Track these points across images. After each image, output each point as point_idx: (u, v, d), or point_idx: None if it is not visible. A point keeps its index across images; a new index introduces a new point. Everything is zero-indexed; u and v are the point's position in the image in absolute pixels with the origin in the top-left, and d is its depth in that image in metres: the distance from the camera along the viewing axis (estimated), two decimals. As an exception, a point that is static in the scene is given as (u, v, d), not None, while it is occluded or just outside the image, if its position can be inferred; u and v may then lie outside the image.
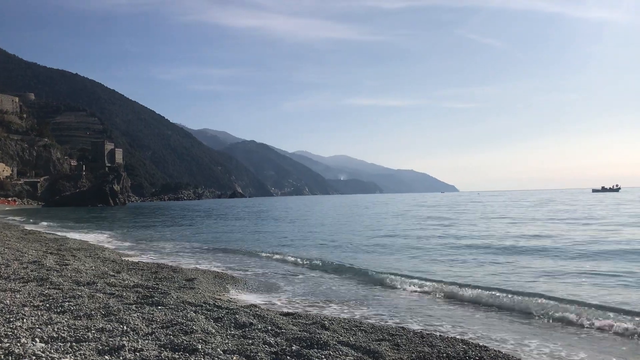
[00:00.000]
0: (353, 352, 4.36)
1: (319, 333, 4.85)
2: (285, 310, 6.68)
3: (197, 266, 11.94)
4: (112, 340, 4.26)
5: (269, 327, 5.01)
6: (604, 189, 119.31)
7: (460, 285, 8.62)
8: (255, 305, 6.68)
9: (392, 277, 9.75)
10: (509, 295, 7.59)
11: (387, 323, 6.06)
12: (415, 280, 9.35)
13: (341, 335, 4.92)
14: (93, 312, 5.30)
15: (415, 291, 8.69)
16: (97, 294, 6.43)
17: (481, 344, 4.88)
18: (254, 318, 5.44)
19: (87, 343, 4.19)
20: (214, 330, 4.80)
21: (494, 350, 4.61)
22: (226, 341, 4.48)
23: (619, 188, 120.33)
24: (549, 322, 6.40)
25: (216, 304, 6.28)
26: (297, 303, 7.62)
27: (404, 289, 8.85)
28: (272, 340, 4.53)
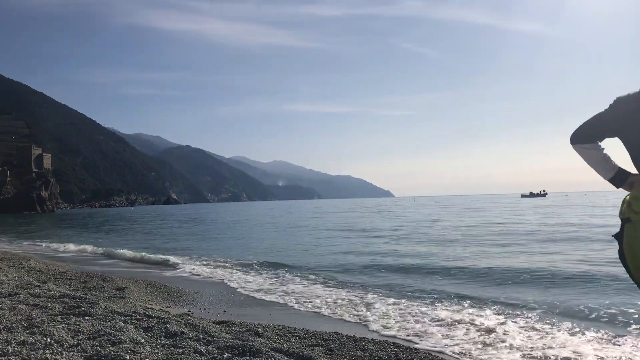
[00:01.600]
0: (286, 358, 4.35)
1: (251, 340, 4.82)
2: (219, 318, 6.59)
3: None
4: (34, 354, 4.08)
5: (201, 336, 4.93)
6: (531, 194, 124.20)
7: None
8: (187, 314, 6.56)
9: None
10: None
11: (320, 328, 6.07)
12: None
13: (275, 342, 4.91)
14: (14, 325, 5.05)
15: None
16: (20, 306, 6.15)
17: (412, 346, 4.97)
18: (186, 327, 5.35)
19: (6, 357, 4.00)
20: (143, 340, 4.68)
21: (424, 352, 4.71)
22: (156, 351, 4.37)
23: (546, 193, 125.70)
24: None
25: (147, 313, 6.12)
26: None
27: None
28: (203, 349, 4.46)
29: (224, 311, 7.54)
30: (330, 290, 9.29)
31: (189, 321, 5.70)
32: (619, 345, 5.35)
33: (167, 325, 5.31)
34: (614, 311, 6.85)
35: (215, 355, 4.28)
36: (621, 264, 2.90)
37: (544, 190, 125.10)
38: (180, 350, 4.39)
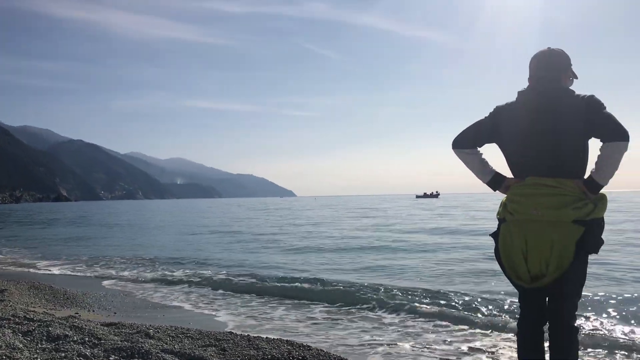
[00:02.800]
0: (177, 359, 4.25)
1: (141, 342, 4.66)
2: (109, 320, 6.31)
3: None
4: None
5: (87, 339, 4.70)
6: (425, 195, 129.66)
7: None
8: (73, 316, 6.23)
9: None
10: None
11: (215, 328, 5.99)
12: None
13: (166, 343, 4.78)
14: None
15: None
16: None
17: (305, 343, 5.02)
18: (71, 329, 5.07)
19: None
20: (21, 345, 4.38)
21: (316, 350, 4.78)
22: (35, 356, 4.11)
23: (439, 194, 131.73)
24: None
25: (27, 316, 5.74)
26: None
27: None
28: (88, 352, 4.25)
29: (115, 313, 7.25)
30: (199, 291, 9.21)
31: (75, 324, 5.42)
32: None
33: (50, 329, 5.01)
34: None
35: (101, 358, 4.10)
36: (496, 261, 3.09)
37: (436, 192, 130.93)
38: (63, 354, 4.16)
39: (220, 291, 9.17)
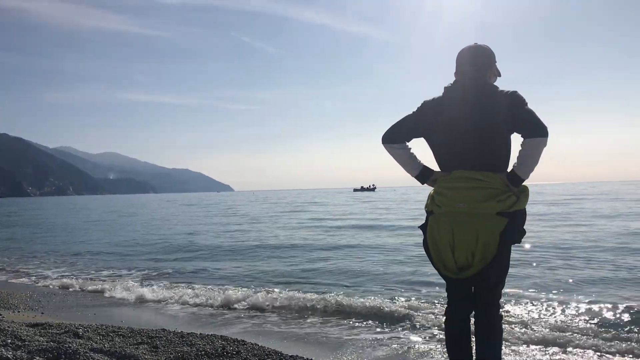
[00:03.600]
0: (107, 358, 4.13)
1: (69, 342, 4.49)
2: (35, 320, 6.05)
3: None
4: None
5: (9, 340, 4.49)
6: (362, 189, 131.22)
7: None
8: (-4, 317, 5.94)
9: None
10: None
11: (148, 326, 5.87)
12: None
13: (95, 342, 4.63)
14: None
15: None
16: None
17: (239, 338, 4.99)
18: (-8, 332, 4.83)
19: None
20: None
21: (251, 344, 4.76)
22: (-49, 361, 3.90)
23: (375, 187, 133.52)
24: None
25: (-57, 320, 5.44)
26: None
27: None
28: (10, 354, 4.06)
29: (42, 313, 6.98)
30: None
31: (-3, 325, 5.16)
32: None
33: (-31, 332, 4.76)
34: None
35: (25, 360, 3.93)
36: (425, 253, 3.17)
37: (373, 185, 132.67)
38: (-18, 358, 3.96)
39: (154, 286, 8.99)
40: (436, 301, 6.99)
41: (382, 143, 3.20)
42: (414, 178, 3.20)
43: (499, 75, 3.17)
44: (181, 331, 5.33)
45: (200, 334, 5.14)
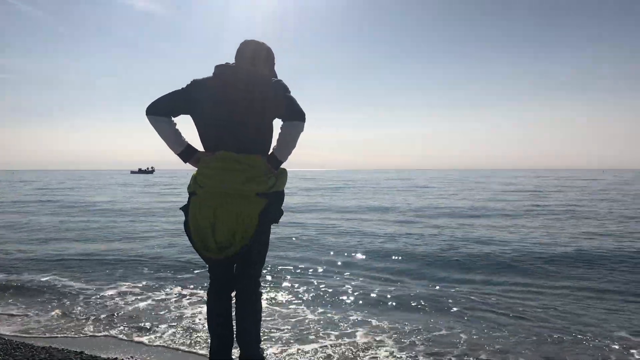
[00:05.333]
0: None
1: None
2: None
3: None
4: None
5: None
6: (140, 171, 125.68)
7: None
8: None
9: None
10: None
11: None
12: None
13: None
14: None
15: None
16: None
17: (54, 345, 4.36)
18: None
19: None
20: None
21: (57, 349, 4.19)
22: None
23: (154, 170, 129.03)
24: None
25: None
26: None
27: None
28: None
29: None
30: None
31: None
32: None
33: None
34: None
35: None
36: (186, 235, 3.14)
37: (152, 167, 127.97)
38: None
39: None
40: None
41: (147, 114, 3.06)
42: (177, 156, 3.14)
43: (275, 77, 3.24)
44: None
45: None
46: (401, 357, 4.16)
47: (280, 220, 3.27)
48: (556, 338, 4.62)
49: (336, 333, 4.77)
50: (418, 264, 8.29)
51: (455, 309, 5.61)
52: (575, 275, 7.36)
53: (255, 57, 3.19)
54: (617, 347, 4.40)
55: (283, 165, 3.16)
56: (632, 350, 4.32)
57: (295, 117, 2.93)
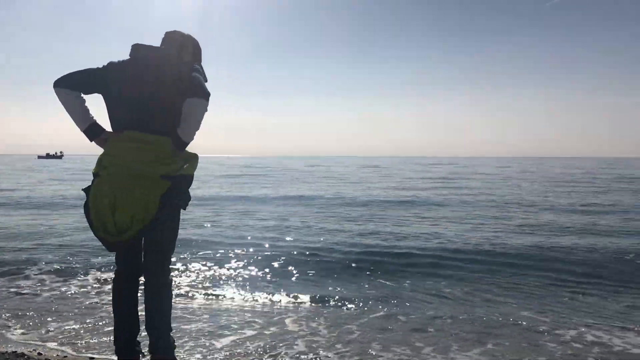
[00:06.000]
0: None
1: None
2: None
3: None
4: None
5: None
6: (48, 156, 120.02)
7: None
8: None
9: None
10: None
11: None
12: None
13: None
14: None
15: None
16: None
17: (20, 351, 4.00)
18: None
19: None
20: None
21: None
22: None
23: (62, 155, 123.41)
24: None
25: None
26: None
27: None
28: None
29: None
30: None
31: None
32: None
33: None
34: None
35: None
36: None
37: (60, 152, 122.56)
38: None
39: None
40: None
41: (55, 87, 2.95)
42: (82, 133, 3.04)
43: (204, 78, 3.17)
44: None
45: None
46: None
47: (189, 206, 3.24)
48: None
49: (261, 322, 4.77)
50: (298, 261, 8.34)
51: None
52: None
53: (176, 45, 3.15)
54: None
55: (194, 150, 3.15)
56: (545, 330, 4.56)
57: (197, 94, 2.90)
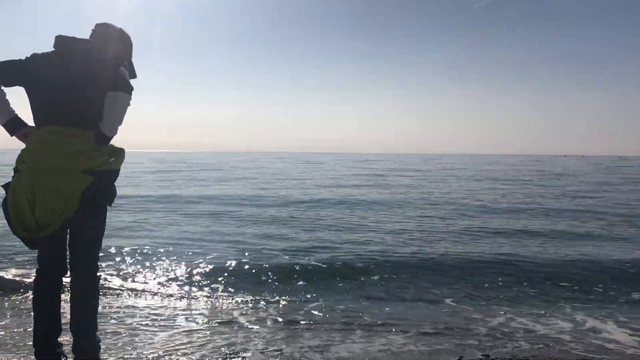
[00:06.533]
0: None
1: None
2: None
3: None
4: None
5: None
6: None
7: None
8: None
9: None
10: None
11: None
12: None
13: None
14: None
15: None
16: None
17: None
18: None
19: None
20: None
21: None
22: None
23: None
24: None
25: None
26: None
27: None
28: None
29: None
30: None
31: None
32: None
33: None
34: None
35: None
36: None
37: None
38: None
39: None
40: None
41: None
42: (2, 127, 2.93)
43: (134, 75, 3.13)
44: None
45: None
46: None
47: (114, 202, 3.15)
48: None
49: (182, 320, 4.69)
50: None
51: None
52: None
53: (104, 37, 3.08)
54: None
55: (120, 144, 3.07)
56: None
57: (119, 87, 2.85)
